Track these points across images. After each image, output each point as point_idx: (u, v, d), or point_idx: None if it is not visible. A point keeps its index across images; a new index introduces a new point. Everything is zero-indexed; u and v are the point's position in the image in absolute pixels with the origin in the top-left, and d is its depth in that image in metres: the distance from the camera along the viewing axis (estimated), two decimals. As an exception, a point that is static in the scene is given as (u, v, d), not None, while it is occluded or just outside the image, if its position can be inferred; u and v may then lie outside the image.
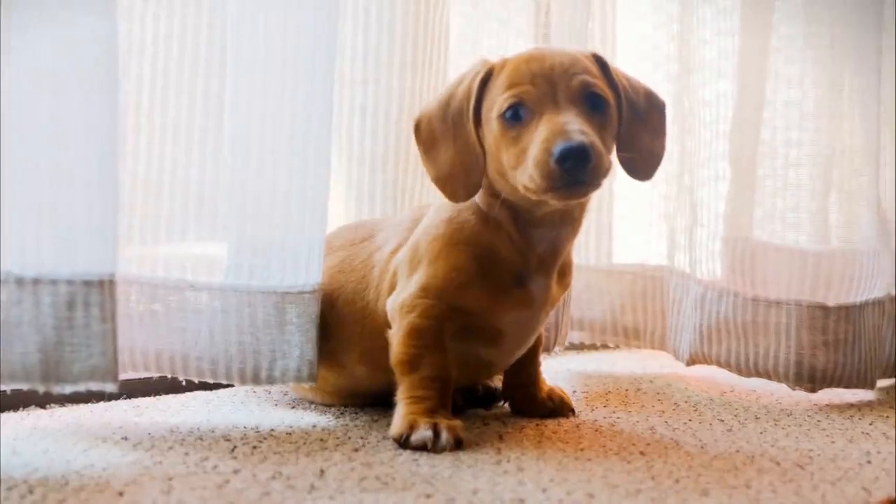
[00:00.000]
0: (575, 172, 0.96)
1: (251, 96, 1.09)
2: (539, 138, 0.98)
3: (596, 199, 1.57)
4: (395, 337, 1.07)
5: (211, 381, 1.12)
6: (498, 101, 1.02)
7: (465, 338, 1.08)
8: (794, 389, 1.37)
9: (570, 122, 0.98)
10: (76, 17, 0.94)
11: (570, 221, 1.08)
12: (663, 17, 1.55)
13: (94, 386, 0.95)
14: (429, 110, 1.09)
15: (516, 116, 1.01)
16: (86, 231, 0.95)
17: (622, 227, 1.62)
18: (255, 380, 1.11)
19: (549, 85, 1.01)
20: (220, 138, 1.12)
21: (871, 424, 1.20)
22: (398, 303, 1.07)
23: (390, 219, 1.23)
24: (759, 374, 1.38)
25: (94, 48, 0.95)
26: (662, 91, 1.52)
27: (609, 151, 1.03)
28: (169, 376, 1.12)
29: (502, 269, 1.07)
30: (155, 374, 1.12)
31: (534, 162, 0.97)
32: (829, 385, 1.35)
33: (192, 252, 1.13)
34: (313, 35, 1.10)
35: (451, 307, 1.06)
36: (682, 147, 1.49)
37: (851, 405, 1.33)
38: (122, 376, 1.21)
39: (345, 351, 1.14)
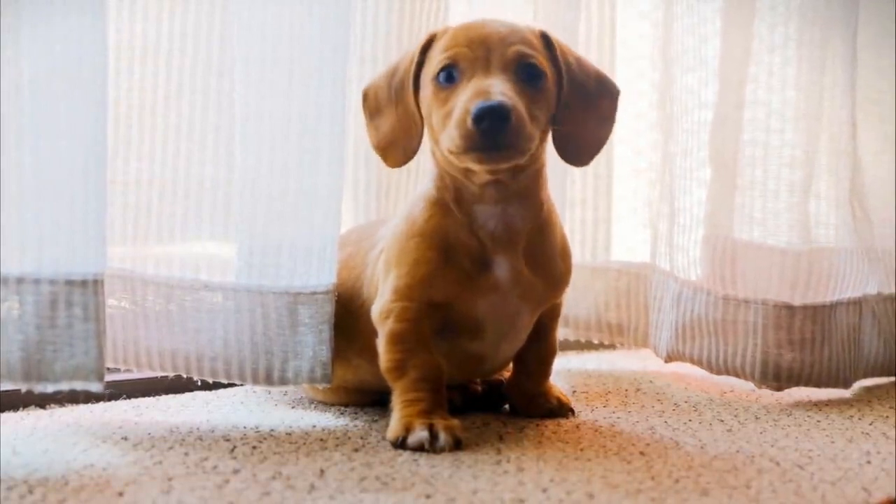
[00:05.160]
0: (492, 133, 0.96)
1: (261, 94, 1.09)
2: (462, 98, 0.99)
3: (594, 196, 1.59)
4: (380, 345, 1.07)
5: (225, 381, 1.12)
6: (433, 63, 1.03)
7: (447, 333, 1.08)
8: (759, 388, 1.37)
9: (495, 84, 0.98)
10: (62, 16, 0.94)
11: (517, 197, 1.07)
12: (658, 17, 1.54)
13: (78, 385, 0.95)
14: (377, 80, 1.11)
15: (449, 78, 1.02)
16: (70, 231, 0.95)
17: (615, 225, 1.61)
18: (268, 380, 1.11)
19: (484, 50, 1.01)
20: (233, 136, 1.12)
21: (871, 424, 1.20)
22: (377, 310, 1.08)
23: (389, 219, 1.23)
24: (728, 372, 1.37)
25: (81, 48, 0.95)
26: (658, 91, 1.54)
27: (539, 124, 1.02)
28: (171, 375, 1.12)
29: (460, 254, 1.06)
30: (171, 374, 1.12)
31: (455, 122, 0.98)
32: (797, 384, 1.35)
33: (206, 252, 1.13)
34: (324, 31, 1.09)
35: (425, 304, 1.06)
36: (664, 144, 1.48)
37: (851, 405, 1.32)
38: (125, 376, 1.22)
39: (348, 344, 1.14)
